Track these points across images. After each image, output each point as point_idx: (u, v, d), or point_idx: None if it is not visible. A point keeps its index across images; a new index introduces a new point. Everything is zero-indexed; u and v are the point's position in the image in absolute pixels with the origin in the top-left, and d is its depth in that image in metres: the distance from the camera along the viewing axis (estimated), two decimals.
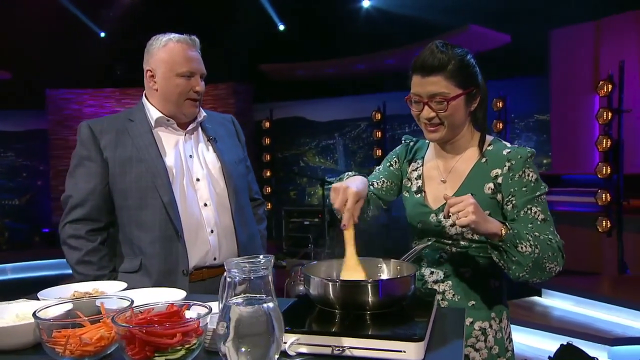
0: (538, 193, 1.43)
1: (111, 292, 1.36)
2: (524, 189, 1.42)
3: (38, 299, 1.28)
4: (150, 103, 1.84)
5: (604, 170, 5.14)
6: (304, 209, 7.07)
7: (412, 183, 1.60)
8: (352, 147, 8.32)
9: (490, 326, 1.50)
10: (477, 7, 6.28)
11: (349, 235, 1.29)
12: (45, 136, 8.86)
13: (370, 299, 1.14)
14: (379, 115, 7.19)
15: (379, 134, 7.27)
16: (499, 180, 1.46)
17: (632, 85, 5.52)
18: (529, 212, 1.41)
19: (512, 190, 1.43)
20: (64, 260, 1.77)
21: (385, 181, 1.63)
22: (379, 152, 7.30)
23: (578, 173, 5.90)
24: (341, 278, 1.28)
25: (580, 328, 3.67)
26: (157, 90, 1.81)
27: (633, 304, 3.82)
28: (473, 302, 1.50)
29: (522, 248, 1.29)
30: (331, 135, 8.44)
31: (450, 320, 1.25)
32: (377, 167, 1.70)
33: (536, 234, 1.34)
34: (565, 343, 3.10)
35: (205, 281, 1.76)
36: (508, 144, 1.53)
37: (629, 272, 5.09)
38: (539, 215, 1.40)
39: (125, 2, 8.46)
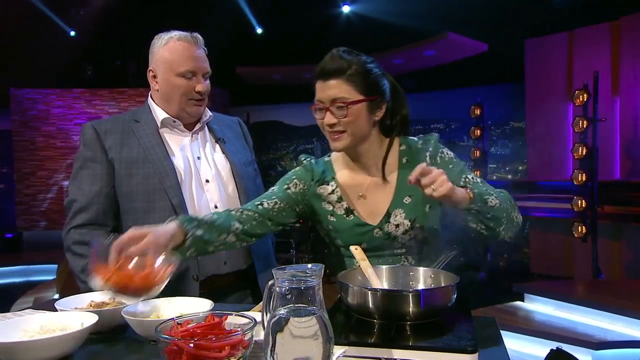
0: (462, 165, 1.46)
1: (129, 302, 1.28)
2: (450, 166, 1.44)
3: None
4: (156, 104, 1.76)
5: (580, 177, 5.28)
6: None
7: (335, 207, 1.48)
8: (330, 152, 8.28)
9: None
10: (455, 16, 6.38)
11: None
12: (8, 137, 8.50)
13: (411, 309, 1.10)
14: None
15: None
16: None
17: (605, 96, 5.70)
18: (465, 179, 1.40)
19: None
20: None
21: (278, 202, 1.48)
22: None
23: (554, 180, 6.04)
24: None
25: (564, 332, 3.73)
26: (158, 91, 1.74)
27: (611, 308, 3.90)
28: None
29: (491, 202, 1.27)
30: (309, 139, 8.40)
31: (484, 329, 1.23)
32: (272, 188, 1.55)
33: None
34: (555, 348, 3.14)
35: (214, 293, 1.68)
36: (415, 138, 1.52)
37: (602, 277, 5.24)
38: (475, 179, 1.41)
39: (97, 2, 8.23)
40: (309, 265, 0.97)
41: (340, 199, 1.48)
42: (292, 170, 1.58)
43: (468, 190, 1.25)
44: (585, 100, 5.26)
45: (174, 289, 1.57)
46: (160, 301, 1.24)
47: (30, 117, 8.51)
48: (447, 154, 1.46)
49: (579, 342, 3.57)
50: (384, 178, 1.47)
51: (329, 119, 1.38)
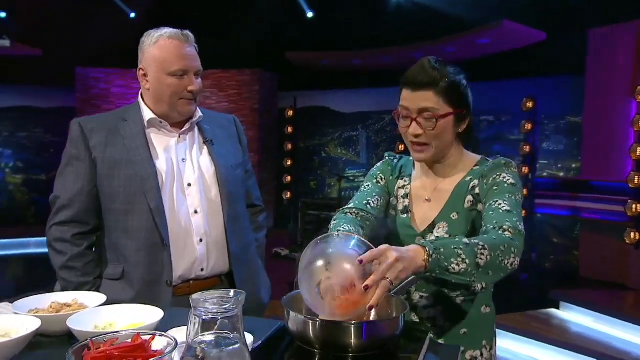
0: (510, 190, 1.35)
1: (91, 305, 1.31)
2: (494, 187, 1.37)
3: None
4: (145, 103, 1.77)
5: (636, 180, 4.93)
6: (322, 201, 6.96)
7: (398, 201, 1.53)
8: (375, 140, 8.15)
9: (481, 354, 1.45)
10: (512, 2, 6.02)
11: None
12: (73, 114, 8.95)
13: (353, 341, 1.06)
14: None
15: None
16: (477, 190, 1.42)
17: None
18: (493, 204, 1.33)
19: (486, 194, 1.38)
20: None
21: (380, 199, 1.53)
22: (401, 147, 7.13)
23: (608, 180, 5.65)
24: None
25: (598, 347, 3.52)
26: (149, 90, 1.73)
27: None
28: (465, 330, 1.43)
29: (454, 268, 1.15)
30: (355, 127, 8.27)
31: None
32: (366, 184, 1.58)
33: (473, 239, 1.20)
34: None
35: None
36: (490, 159, 1.47)
37: None
38: (503, 207, 1.31)
39: None
40: (232, 292, 0.95)
41: (405, 196, 1.52)
42: (375, 166, 1.64)
43: (425, 255, 1.13)
44: None
45: (146, 293, 1.60)
46: (114, 308, 1.25)
47: (92, 95, 8.93)
48: (505, 178, 1.38)
49: (612, 359, 3.36)
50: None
51: (414, 129, 1.39)
